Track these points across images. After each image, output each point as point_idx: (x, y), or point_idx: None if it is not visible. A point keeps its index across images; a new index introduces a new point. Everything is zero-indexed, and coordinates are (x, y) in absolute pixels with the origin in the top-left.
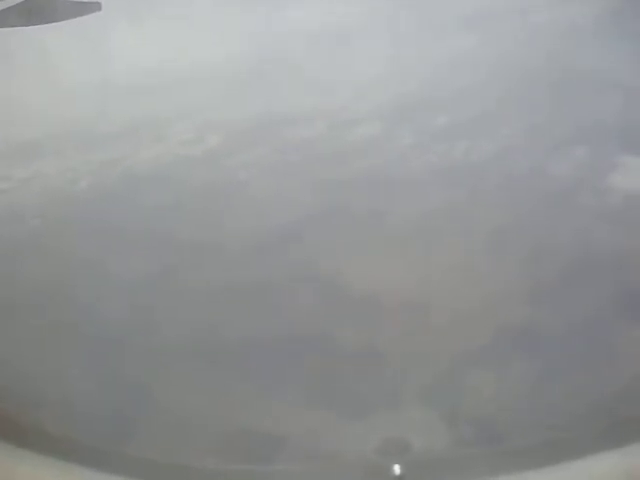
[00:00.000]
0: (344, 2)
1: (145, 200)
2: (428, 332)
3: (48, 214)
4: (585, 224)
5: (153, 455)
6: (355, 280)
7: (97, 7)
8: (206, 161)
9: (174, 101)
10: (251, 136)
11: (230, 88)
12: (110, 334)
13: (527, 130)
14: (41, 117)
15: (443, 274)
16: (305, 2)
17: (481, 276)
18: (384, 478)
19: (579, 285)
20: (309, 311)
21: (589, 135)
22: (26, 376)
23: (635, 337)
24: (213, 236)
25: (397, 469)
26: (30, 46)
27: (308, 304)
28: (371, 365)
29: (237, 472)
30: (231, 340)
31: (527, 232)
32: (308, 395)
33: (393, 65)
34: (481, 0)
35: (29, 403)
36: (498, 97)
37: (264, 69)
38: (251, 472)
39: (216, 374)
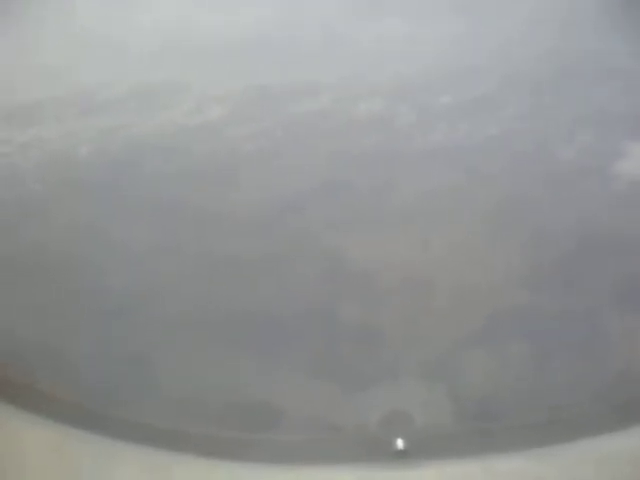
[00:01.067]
0: None
1: (148, 168)
2: (428, 311)
3: (49, 179)
4: (588, 209)
5: (153, 421)
6: (356, 256)
7: None
8: (209, 132)
9: (179, 70)
10: (255, 108)
11: (235, 59)
12: (112, 303)
13: (530, 113)
14: (44, 80)
15: (444, 253)
16: None
17: (482, 257)
18: (387, 452)
19: (579, 270)
20: (311, 285)
21: (594, 120)
22: (29, 342)
23: (634, 322)
24: (216, 207)
25: (400, 443)
26: (45, 7)
27: (310, 278)
28: (372, 341)
29: (237, 440)
30: (233, 312)
31: (529, 215)
32: (310, 368)
33: (398, 44)
34: None
35: (32, 368)
36: (501, 79)
37: (270, 42)
38: (251, 441)
39: (217, 346)
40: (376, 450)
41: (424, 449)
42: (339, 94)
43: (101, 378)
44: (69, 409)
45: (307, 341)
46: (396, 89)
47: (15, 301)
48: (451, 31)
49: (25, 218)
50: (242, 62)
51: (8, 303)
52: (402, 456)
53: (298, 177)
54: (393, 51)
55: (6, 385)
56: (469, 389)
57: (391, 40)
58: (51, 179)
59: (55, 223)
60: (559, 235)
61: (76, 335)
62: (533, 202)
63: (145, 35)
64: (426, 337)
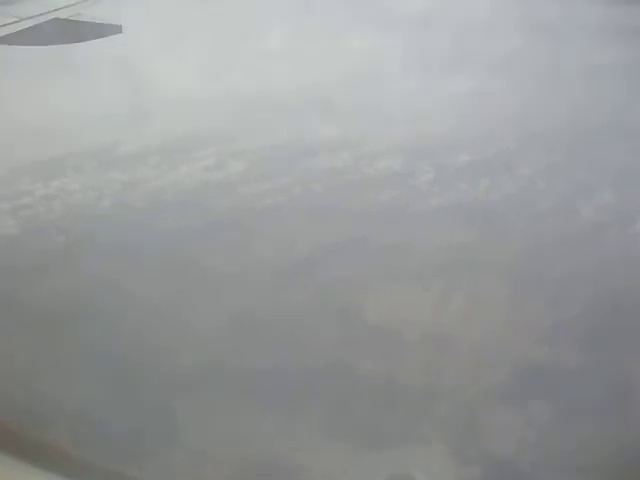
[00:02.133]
0: (377, 39)
1: (167, 224)
2: (447, 366)
3: (71, 231)
4: (607, 266)
5: (169, 477)
6: (374, 312)
7: (118, 29)
8: (229, 188)
9: (200, 126)
10: (274, 165)
11: (257, 116)
12: (128, 355)
13: (547, 171)
14: (66, 135)
15: (463, 309)
16: (349, 34)
17: (502, 313)
18: None
19: (599, 327)
20: (328, 341)
21: (613, 179)
22: (41, 391)
23: None
24: (233, 263)
25: None
26: (65, 64)
27: (328, 334)
28: (389, 398)
29: None
30: (248, 368)
31: (548, 273)
32: (326, 425)
33: (418, 103)
34: (506, 41)
35: (43, 419)
36: (519, 138)
37: (291, 99)
38: None
39: (233, 401)
40: None
41: None
42: (359, 151)
43: (113, 433)
44: (74, 463)
45: (324, 398)
46: (415, 147)
47: (32, 350)
48: (470, 90)
49: (46, 269)
50: (262, 118)
51: (25, 351)
52: None
53: (315, 234)
54: (413, 109)
55: (19, 440)
56: (487, 450)
57: (411, 98)
58: (73, 231)
59: (75, 274)
60: (579, 292)
61: (92, 389)
62: (552, 259)
63: (166, 92)
64: (445, 395)
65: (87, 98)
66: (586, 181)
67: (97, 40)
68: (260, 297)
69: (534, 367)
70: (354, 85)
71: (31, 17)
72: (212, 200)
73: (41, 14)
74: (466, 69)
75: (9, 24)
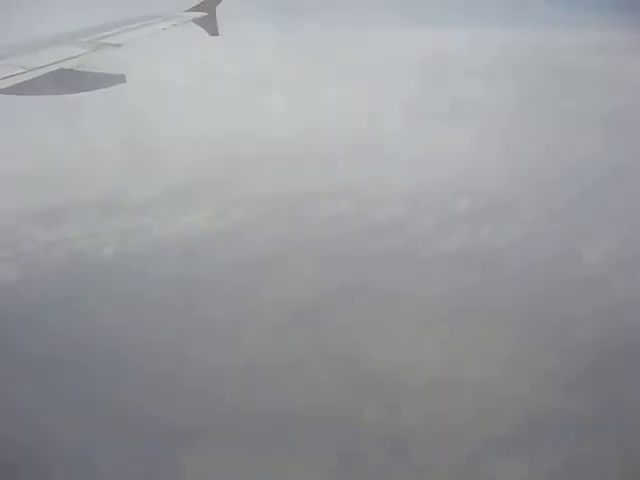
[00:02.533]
0: (374, 89)
1: (168, 272)
2: (452, 414)
3: (72, 278)
4: (613, 311)
5: None
6: (377, 358)
7: (122, 79)
8: (230, 236)
9: (201, 174)
10: (275, 213)
11: (257, 165)
12: (129, 399)
13: (550, 216)
14: (68, 184)
15: (467, 355)
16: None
17: (506, 359)
18: None
19: (607, 372)
20: (331, 389)
21: (616, 223)
22: (43, 445)
23: None
24: (233, 313)
25: None
26: (69, 114)
27: (331, 382)
28: (394, 446)
29: None
30: (253, 417)
31: (553, 318)
32: (331, 472)
33: (416, 150)
34: (506, 88)
35: (43, 472)
36: (520, 183)
37: (293, 147)
38: None
39: (236, 448)
40: None
41: None
42: (360, 198)
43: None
44: None
45: (328, 445)
46: (416, 193)
47: (27, 401)
48: (467, 135)
49: (46, 315)
50: (263, 167)
51: (19, 403)
52: None
53: (317, 281)
54: (413, 156)
55: None
56: None
57: (410, 146)
58: (74, 278)
59: (74, 321)
60: (583, 337)
61: (99, 437)
62: (555, 304)
63: (167, 140)
64: (451, 444)
65: (89, 146)
66: (589, 226)
67: (100, 90)
68: (263, 345)
69: (537, 413)
70: (353, 133)
71: (37, 68)
72: (214, 248)
73: (47, 65)
74: (465, 118)
75: (16, 75)
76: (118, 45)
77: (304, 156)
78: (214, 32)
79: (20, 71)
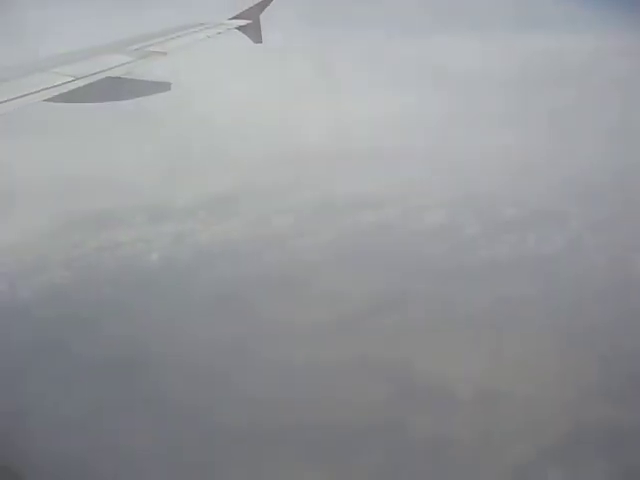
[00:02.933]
0: (419, 95)
1: (214, 276)
2: (502, 424)
3: (121, 282)
4: None
5: None
6: (424, 368)
7: (167, 87)
8: (276, 242)
9: (248, 181)
10: (321, 220)
11: (301, 170)
12: (181, 405)
13: (596, 224)
14: (116, 189)
15: (516, 364)
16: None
17: (556, 368)
18: None
19: None
20: (380, 397)
21: None
22: (87, 447)
23: None
24: (279, 316)
25: None
26: (117, 120)
27: (379, 390)
28: (443, 457)
29: None
30: (305, 424)
31: (604, 326)
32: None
33: (463, 155)
34: (551, 96)
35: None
36: (565, 191)
37: (336, 153)
38: None
39: (285, 457)
40: None
41: None
42: (405, 205)
43: None
44: None
45: (379, 454)
46: (461, 200)
47: (80, 403)
48: (516, 143)
49: (97, 319)
50: (308, 173)
51: (69, 405)
52: None
53: (363, 289)
54: (459, 162)
55: None
56: None
57: (455, 153)
58: (123, 283)
59: (125, 325)
60: (634, 346)
61: (147, 439)
62: (604, 313)
63: (215, 146)
64: (501, 454)
65: (136, 153)
66: (637, 234)
67: (148, 97)
68: (309, 352)
69: (587, 424)
70: (398, 140)
71: (86, 76)
72: (259, 253)
73: (95, 73)
74: (511, 124)
75: (65, 83)
76: (164, 53)
77: (348, 163)
78: (258, 40)
79: (69, 79)
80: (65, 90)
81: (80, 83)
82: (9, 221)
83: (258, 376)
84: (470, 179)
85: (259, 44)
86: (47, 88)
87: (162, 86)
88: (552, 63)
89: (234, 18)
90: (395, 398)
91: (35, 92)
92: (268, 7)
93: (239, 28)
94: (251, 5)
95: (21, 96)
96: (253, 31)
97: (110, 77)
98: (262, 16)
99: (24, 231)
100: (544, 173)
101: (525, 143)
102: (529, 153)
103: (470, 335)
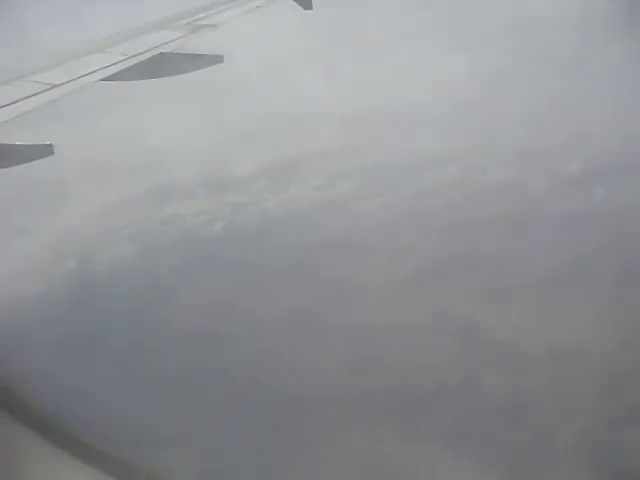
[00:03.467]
0: (477, 54)
1: (278, 243)
2: (575, 382)
3: (186, 254)
4: None
5: None
6: (493, 326)
7: (220, 59)
8: (339, 206)
9: (308, 146)
10: (382, 182)
11: (361, 133)
12: (251, 374)
13: None
14: (176, 162)
15: (588, 322)
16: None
17: (631, 325)
18: None
19: None
20: (451, 355)
21: None
22: (162, 418)
23: None
24: (349, 278)
25: None
26: (173, 95)
27: (449, 348)
28: (516, 414)
29: None
30: (373, 384)
31: None
32: (449, 443)
33: (522, 112)
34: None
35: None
36: (632, 145)
37: (394, 113)
38: None
39: (358, 418)
40: None
41: None
42: (468, 164)
43: (237, 455)
44: None
45: (449, 414)
46: (525, 156)
47: (147, 376)
48: (577, 94)
49: (165, 290)
50: (369, 135)
51: (142, 378)
52: None
53: (428, 248)
54: (518, 120)
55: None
56: (625, 472)
57: (516, 109)
58: (188, 254)
59: (192, 298)
60: None
61: (212, 414)
62: None
63: (270, 115)
64: (577, 412)
65: (195, 125)
66: None
67: (201, 70)
68: (378, 311)
69: None
70: (458, 100)
71: (138, 54)
72: (323, 218)
73: (147, 50)
74: (574, 77)
75: (118, 62)
76: (214, 26)
77: (408, 123)
78: (308, 6)
79: (121, 58)
80: (118, 69)
81: (134, 61)
82: (73, 200)
83: (326, 342)
84: (534, 135)
85: (309, 10)
86: (103, 67)
87: (215, 59)
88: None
89: None
90: (466, 357)
91: (91, 72)
92: None
93: None
94: None
95: (78, 77)
96: None
97: (163, 53)
98: None
99: (89, 208)
100: (611, 124)
101: (588, 96)
102: (593, 106)
103: (541, 293)
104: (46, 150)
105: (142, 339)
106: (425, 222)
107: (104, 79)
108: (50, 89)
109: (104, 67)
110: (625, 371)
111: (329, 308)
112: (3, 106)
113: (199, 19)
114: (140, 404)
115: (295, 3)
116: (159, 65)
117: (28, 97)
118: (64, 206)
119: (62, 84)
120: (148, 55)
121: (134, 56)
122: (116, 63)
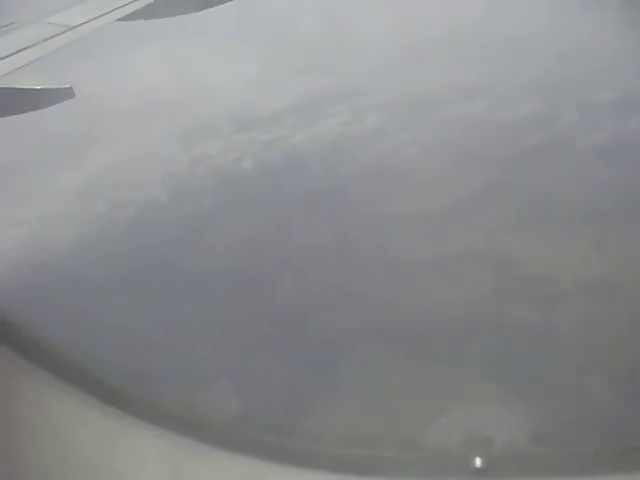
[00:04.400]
0: None
1: (309, 178)
2: (609, 315)
3: (217, 193)
4: None
5: (316, 446)
6: (526, 259)
7: None
8: (367, 141)
9: (334, 80)
10: (411, 115)
11: (388, 65)
12: (285, 312)
13: None
14: (201, 101)
15: (622, 256)
16: None
17: None
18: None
19: None
20: (485, 288)
21: None
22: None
23: None
24: (383, 209)
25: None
26: (194, 32)
27: (482, 282)
28: (550, 347)
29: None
30: (408, 316)
31: None
32: (485, 372)
33: (549, 42)
34: None
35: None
36: None
37: (423, 45)
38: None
39: (393, 350)
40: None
41: None
42: (497, 96)
43: (273, 391)
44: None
45: (483, 344)
46: (555, 87)
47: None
48: (608, 23)
49: (197, 232)
50: (396, 68)
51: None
52: None
53: (458, 182)
54: (547, 49)
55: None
56: None
57: (543, 37)
58: (218, 193)
59: (225, 235)
60: None
61: (252, 346)
62: None
63: (295, 47)
64: (612, 346)
65: (218, 64)
66: None
67: (222, 5)
68: (414, 244)
69: None
70: (484, 28)
71: None
72: (351, 154)
73: None
74: (597, 6)
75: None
76: None
77: (434, 57)
78: None
79: None
80: (139, 6)
81: None
82: (98, 145)
83: (361, 274)
84: (562, 65)
85: None
86: (122, 6)
87: None
88: None
89: None
90: (495, 293)
91: (109, 12)
92: None
93: None
94: None
95: (96, 17)
96: None
97: None
98: None
99: (114, 152)
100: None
101: (617, 21)
102: (622, 32)
103: (570, 228)
104: (66, 93)
105: (171, 280)
106: (455, 156)
107: (123, 19)
108: (66, 31)
109: (123, 5)
110: None
111: (359, 240)
112: (19, 51)
113: None
114: (176, 342)
115: None
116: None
117: (44, 40)
118: (90, 149)
119: (79, 25)
120: None
121: None
122: (133, 2)
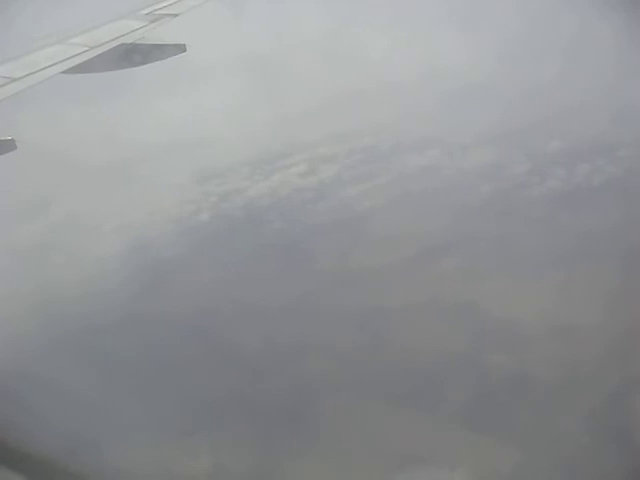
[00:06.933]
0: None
1: (267, 233)
2: (581, 358)
3: (177, 247)
4: None
5: None
6: (494, 305)
7: (182, 49)
8: (323, 192)
9: (286, 134)
10: (364, 167)
11: (340, 119)
12: (250, 362)
13: None
14: (162, 154)
15: (583, 299)
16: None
17: (628, 302)
18: None
19: None
20: (455, 335)
21: None
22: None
23: None
24: (343, 262)
25: None
26: (124, 89)
27: (452, 328)
28: (523, 391)
29: None
30: (379, 363)
31: None
32: (460, 419)
33: (499, 90)
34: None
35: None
36: (610, 118)
37: (368, 100)
38: None
39: (364, 397)
40: None
41: None
42: (446, 146)
43: (243, 441)
44: None
45: (456, 391)
46: (504, 136)
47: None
48: (552, 71)
49: (160, 285)
50: (346, 122)
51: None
52: None
53: (420, 233)
54: (496, 97)
55: None
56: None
57: (491, 86)
58: (182, 247)
59: (194, 289)
60: None
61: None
62: None
63: (244, 104)
64: (583, 387)
65: (174, 117)
66: None
67: (165, 61)
68: (370, 297)
69: None
70: (433, 79)
71: (99, 45)
72: (310, 204)
73: (108, 41)
74: (547, 57)
75: (79, 54)
76: (176, 15)
77: (384, 105)
78: None
79: (82, 50)
80: (79, 61)
81: (93, 53)
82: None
83: (323, 325)
84: (512, 114)
85: None
86: (64, 59)
87: (177, 48)
88: None
89: None
90: (466, 339)
91: (52, 65)
92: None
93: None
94: None
95: (39, 70)
96: None
97: (124, 44)
98: None
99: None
100: (590, 102)
101: (562, 75)
102: (567, 84)
103: (532, 272)
104: (7, 146)
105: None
106: (410, 206)
107: (66, 71)
108: (9, 83)
109: (66, 59)
110: (618, 345)
111: (319, 292)
112: None
113: (160, 8)
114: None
115: None
116: (122, 56)
117: None
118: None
119: (22, 77)
120: (109, 46)
121: (96, 47)
122: (78, 55)
